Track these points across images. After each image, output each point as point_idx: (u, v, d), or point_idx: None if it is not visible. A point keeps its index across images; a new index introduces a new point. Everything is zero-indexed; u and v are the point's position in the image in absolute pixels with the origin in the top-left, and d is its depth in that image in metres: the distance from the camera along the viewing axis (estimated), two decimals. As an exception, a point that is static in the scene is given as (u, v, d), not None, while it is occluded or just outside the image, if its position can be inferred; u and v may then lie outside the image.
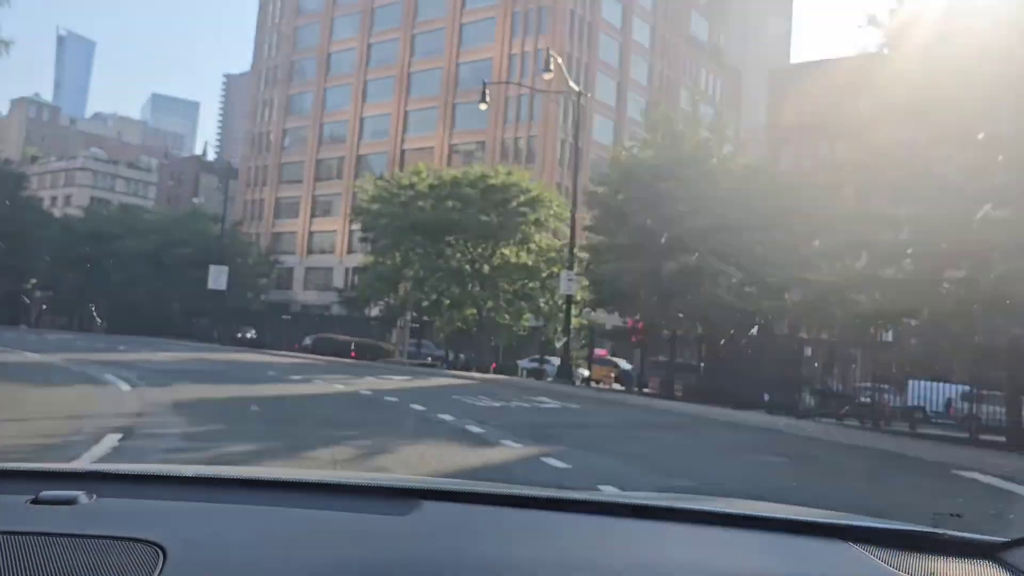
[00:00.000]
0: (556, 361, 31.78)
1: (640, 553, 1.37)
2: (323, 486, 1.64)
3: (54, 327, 53.47)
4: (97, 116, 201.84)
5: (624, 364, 35.77)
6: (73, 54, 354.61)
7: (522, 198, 32.67)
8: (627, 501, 1.61)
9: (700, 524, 1.50)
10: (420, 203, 33.02)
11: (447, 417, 13.28)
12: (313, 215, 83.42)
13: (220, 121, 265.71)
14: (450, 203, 31.91)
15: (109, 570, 1.16)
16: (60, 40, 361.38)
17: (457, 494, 1.60)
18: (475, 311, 33.73)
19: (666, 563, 1.33)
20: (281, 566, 1.20)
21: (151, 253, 46.36)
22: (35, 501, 1.35)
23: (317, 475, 1.85)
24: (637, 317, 28.55)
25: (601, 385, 31.99)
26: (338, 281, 76.83)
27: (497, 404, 16.99)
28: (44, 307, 57.24)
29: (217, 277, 41.77)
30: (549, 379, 29.21)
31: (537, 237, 33.96)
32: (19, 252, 51.31)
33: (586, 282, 28.97)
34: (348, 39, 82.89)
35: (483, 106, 28.34)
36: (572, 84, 29.42)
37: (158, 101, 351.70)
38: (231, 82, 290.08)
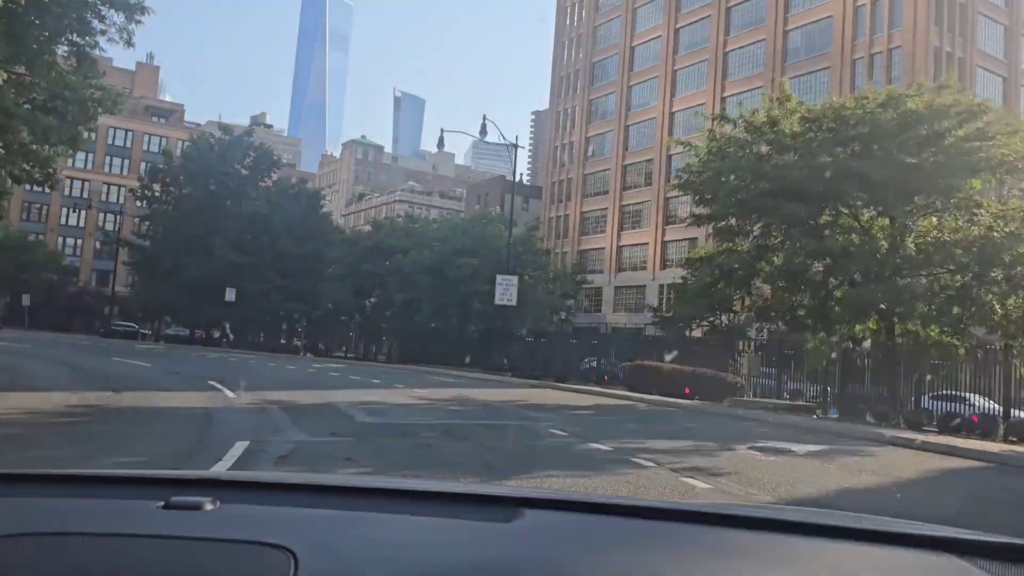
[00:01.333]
0: (977, 399, 18.47)
1: (742, 566, 1.34)
2: (435, 495, 1.66)
3: (327, 354, 48.55)
4: (418, 154, 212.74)
5: None
6: (407, 111, 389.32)
7: (964, 130, 18.76)
8: (741, 513, 1.55)
9: (809, 536, 1.45)
10: (785, 154, 20.49)
11: None
12: (621, 228, 73.42)
13: (530, 157, 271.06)
14: (839, 149, 19.12)
15: (243, 573, 1.21)
16: (396, 100, 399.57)
17: (557, 503, 1.60)
18: (880, 322, 20.36)
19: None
20: (401, 570, 1.24)
21: (431, 265, 38.64)
22: (166, 506, 1.39)
23: (429, 485, 1.84)
24: None
25: None
26: (651, 299, 65.89)
27: None
28: (300, 331, 52.26)
29: (505, 290, 32.51)
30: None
31: (985, 201, 19.81)
32: (312, 275, 46.80)
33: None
34: (652, 28, 72.40)
35: None
36: None
37: (479, 147, 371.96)
38: (538, 119, 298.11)
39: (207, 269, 49.97)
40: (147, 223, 54.44)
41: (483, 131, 33.41)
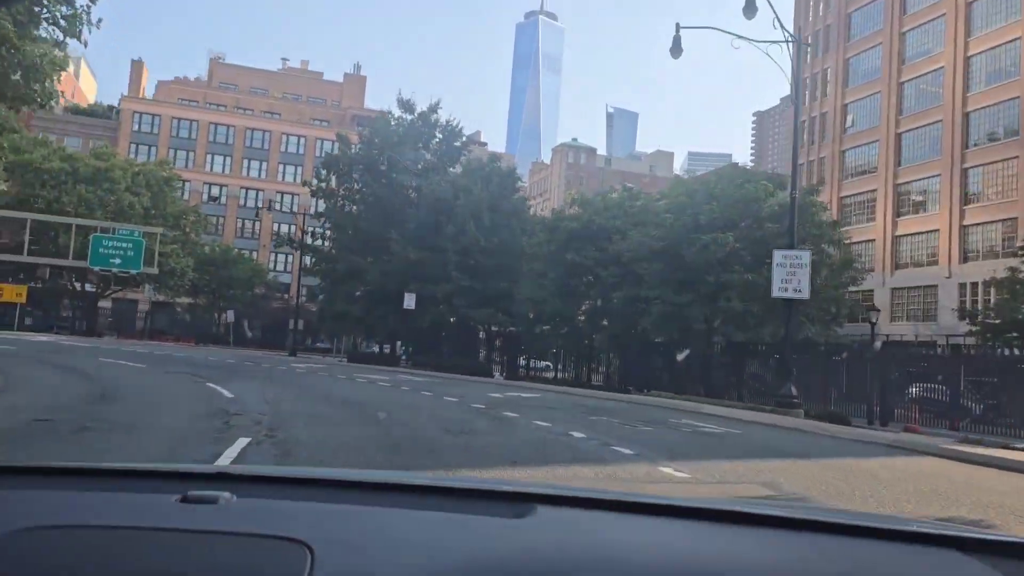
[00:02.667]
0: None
1: (758, 563, 1.33)
2: (450, 490, 1.64)
3: (527, 374, 37.23)
4: (633, 155, 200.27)
5: None
6: (620, 126, 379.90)
7: None
8: (758, 511, 1.52)
9: (827, 534, 1.44)
10: None
11: None
12: (897, 214, 56.70)
13: (752, 159, 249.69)
14: None
15: (260, 567, 1.19)
16: (608, 117, 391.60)
17: (572, 499, 1.59)
18: None
19: (779, 573, 1.31)
20: (417, 566, 1.22)
21: (662, 248, 25.90)
22: (183, 500, 1.38)
23: (442, 480, 1.83)
24: None
25: None
26: (948, 302, 49.22)
27: None
28: (493, 343, 41.49)
29: (790, 274, 19.87)
30: None
31: None
32: (505, 274, 36.23)
33: None
34: (934, -47, 55.51)
35: None
36: None
37: (693, 158, 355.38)
38: (760, 119, 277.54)
39: (386, 271, 41.04)
40: (324, 221, 46.70)
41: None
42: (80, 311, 69.37)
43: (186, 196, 78.93)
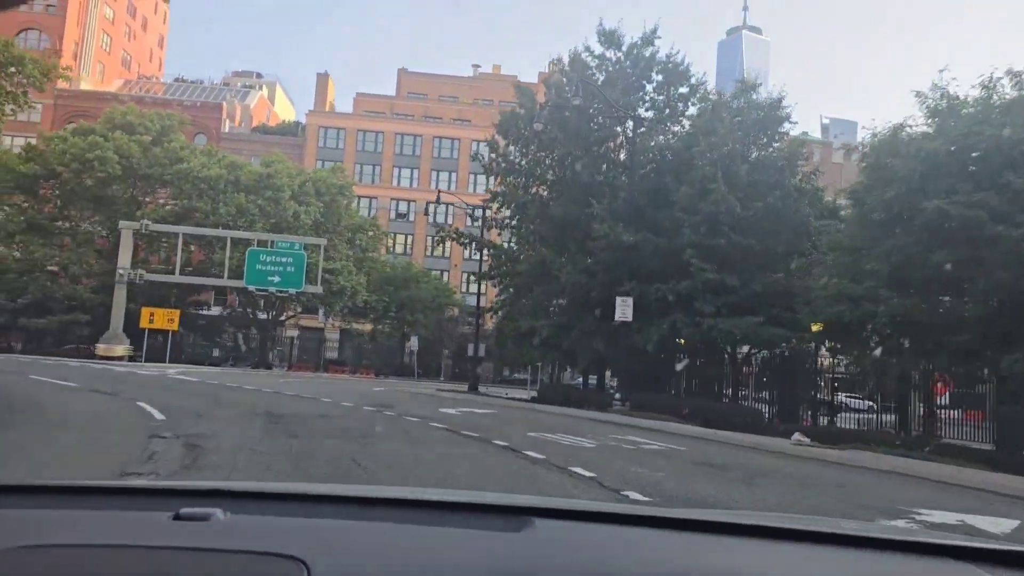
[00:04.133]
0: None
1: (751, 572, 1.33)
2: (444, 504, 1.62)
3: (829, 430, 21.13)
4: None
5: None
6: (837, 136, 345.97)
7: None
8: (748, 523, 1.52)
9: (822, 545, 1.44)
10: None
11: None
12: None
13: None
14: None
15: None
16: (823, 127, 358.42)
17: (567, 512, 1.58)
18: None
19: None
20: None
21: None
22: (176, 517, 1.36)
23: (439, 495, 1.77)
24: None
25: None
26: None
27: None
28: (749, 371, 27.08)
29: None
30: None
31: None
32: (771, 260, 21.53)
33: None
34: None
35: None
36: None
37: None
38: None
39: (587, 269, 27.58)
40: (501, 207, 33.92)
41: None
42: (246, 338, 62.15)
43: (373, 214, 70.92)
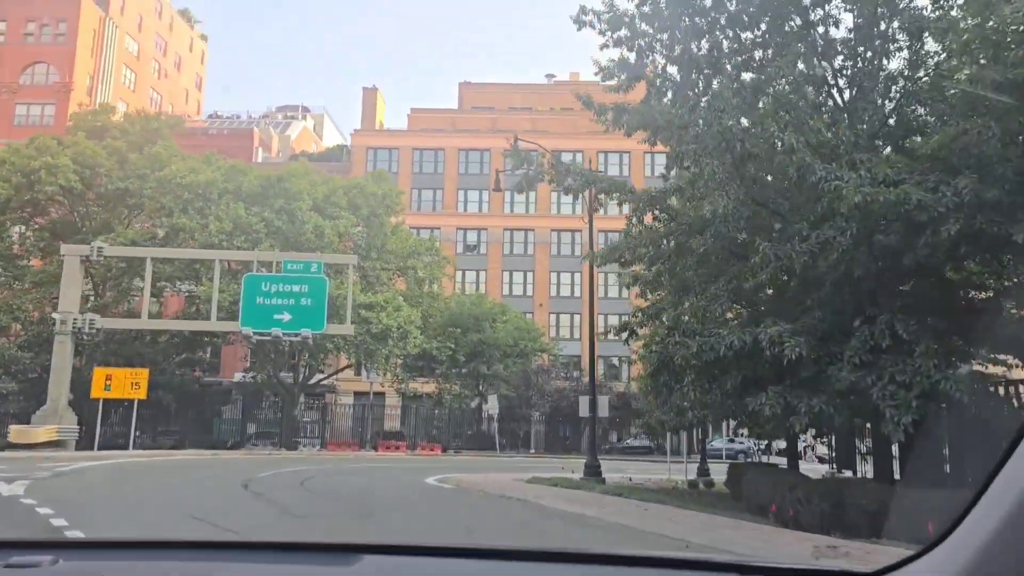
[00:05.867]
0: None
1: None
2: (275, 545, 1.66)
3: None
4: None
5: None
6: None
7: None
8: (564, 551, 1.60)
9: (639, 567, 1.55)
10: None
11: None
12: None
13: None
14: None
15: None
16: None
17: (397, 547, 1.66)
18: None
19: None
20: None
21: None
22: (7, 566, 1.40)
23: (272, 538, 1.84)
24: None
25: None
26: None
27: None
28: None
29: None
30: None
31: None
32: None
33: None
34: None
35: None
36: None
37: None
38: None
39: (795, 250, 10.81)
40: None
41: None
42: (262, 406, 46.81)
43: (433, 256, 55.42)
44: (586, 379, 55.02)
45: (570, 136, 64.93)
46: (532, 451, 49.74)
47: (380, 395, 52.18)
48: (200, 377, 42.91)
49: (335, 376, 45.95)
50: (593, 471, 20.11)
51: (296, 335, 32.09)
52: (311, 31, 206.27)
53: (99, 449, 30.90)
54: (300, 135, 76.03)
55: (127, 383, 31.56)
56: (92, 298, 37.52)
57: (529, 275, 62.43)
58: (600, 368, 59.59)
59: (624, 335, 17.93)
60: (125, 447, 32.04)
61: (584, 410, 24.22)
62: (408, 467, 27.62)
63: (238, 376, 49.04)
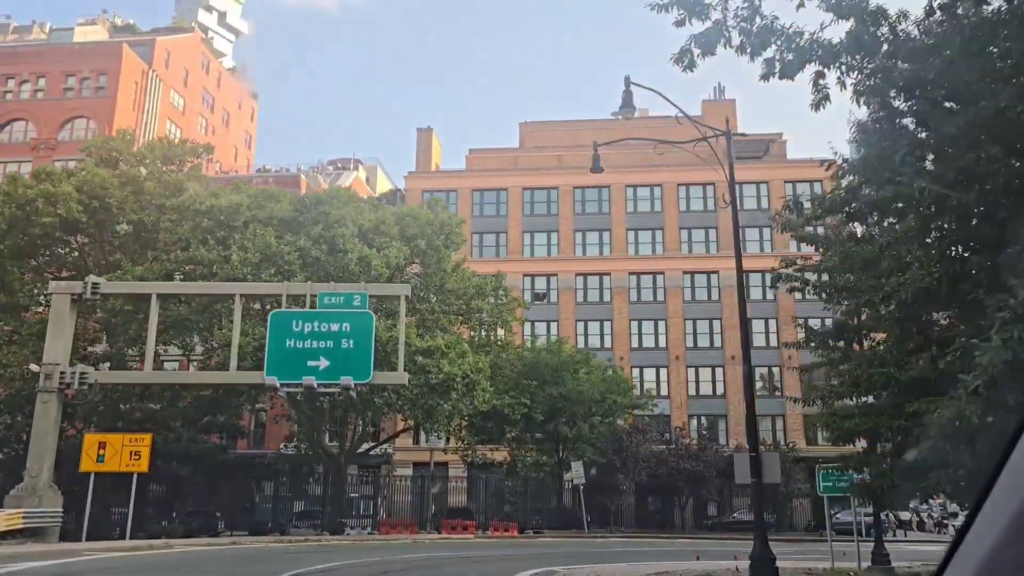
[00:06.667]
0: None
1: None
2: None
3: None
4: None
5: None
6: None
7: None
8: None
9: None
10: None
11: None
12: None
13: None
14: None
15: None
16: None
17: None
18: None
19: None
20: None
21: None
22: None
23: None
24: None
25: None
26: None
27: None
28: None
29: None
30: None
31: None
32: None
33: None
34: None
35: None
36: None
37: None
38: None
39: None
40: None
41: None
42: (299, 477, 39.59)
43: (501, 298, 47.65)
44: (686, 441, 46.57)
45: (643, 169, 57.99)
46: (622, 529, 41.28)
47: (442, 465, 44.70)
48: (225, 443, 36.10)
49: (391, 443, 38.70)
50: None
51: (335, 386, 25.05)
52: (361, 86, 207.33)
53: (88, 539, 24.02)
54: (352, 185, 71.02)
55: (125, 452, 24.79)
56: (110, 353, 31.56)
57: (607, 324, 54.78)
58: (704, 424, 51.08)
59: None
60: (123, 536, 25.11)
61: (743, 474, 16.33)
62: (493, 553, 20.00)
63: (283, 448, 42.26)
